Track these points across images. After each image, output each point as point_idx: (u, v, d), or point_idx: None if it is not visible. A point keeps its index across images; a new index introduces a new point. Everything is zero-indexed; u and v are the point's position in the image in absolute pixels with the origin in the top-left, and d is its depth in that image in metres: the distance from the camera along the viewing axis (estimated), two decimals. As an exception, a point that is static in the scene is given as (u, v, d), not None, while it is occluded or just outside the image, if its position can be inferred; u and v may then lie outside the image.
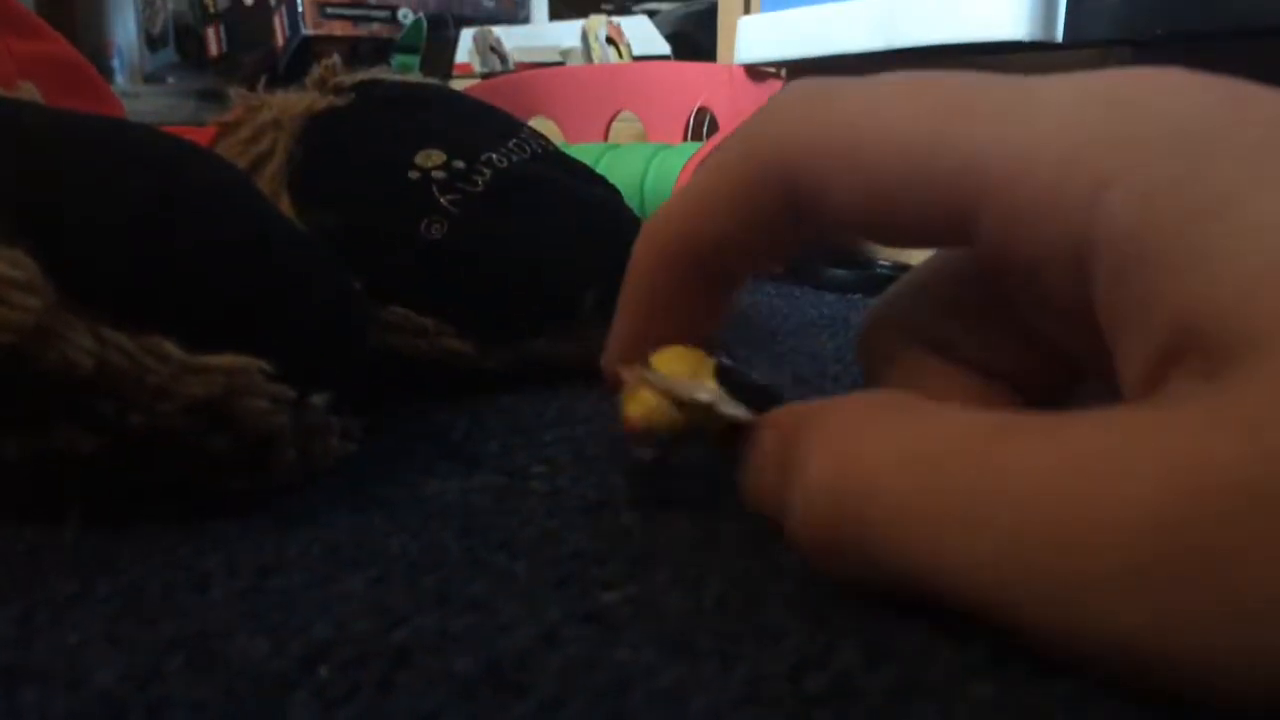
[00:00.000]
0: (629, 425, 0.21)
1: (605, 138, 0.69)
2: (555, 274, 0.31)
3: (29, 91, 0.25)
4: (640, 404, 0.21)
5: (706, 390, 0.20)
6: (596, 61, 0.82)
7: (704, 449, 0.21)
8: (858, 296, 0.49)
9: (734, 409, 0.20)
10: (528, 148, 0.33)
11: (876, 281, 0.50)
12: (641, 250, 0.21)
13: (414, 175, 0.31)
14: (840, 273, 0.51)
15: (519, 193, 0.32)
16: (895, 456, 0.16)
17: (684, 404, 0.20)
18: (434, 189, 0.30)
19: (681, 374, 0.21)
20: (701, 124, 0.66)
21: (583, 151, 0.57)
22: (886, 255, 0.58)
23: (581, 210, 0.33)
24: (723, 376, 0.21)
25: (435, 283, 0.29)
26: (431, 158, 0.31)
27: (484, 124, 0.34)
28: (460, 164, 0.31)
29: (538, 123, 0.66)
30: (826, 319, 0.43)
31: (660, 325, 0.21)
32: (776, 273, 0.55)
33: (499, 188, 0.31)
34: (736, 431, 0.20)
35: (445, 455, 0.25)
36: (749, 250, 0.20)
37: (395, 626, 0.16)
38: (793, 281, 0.53)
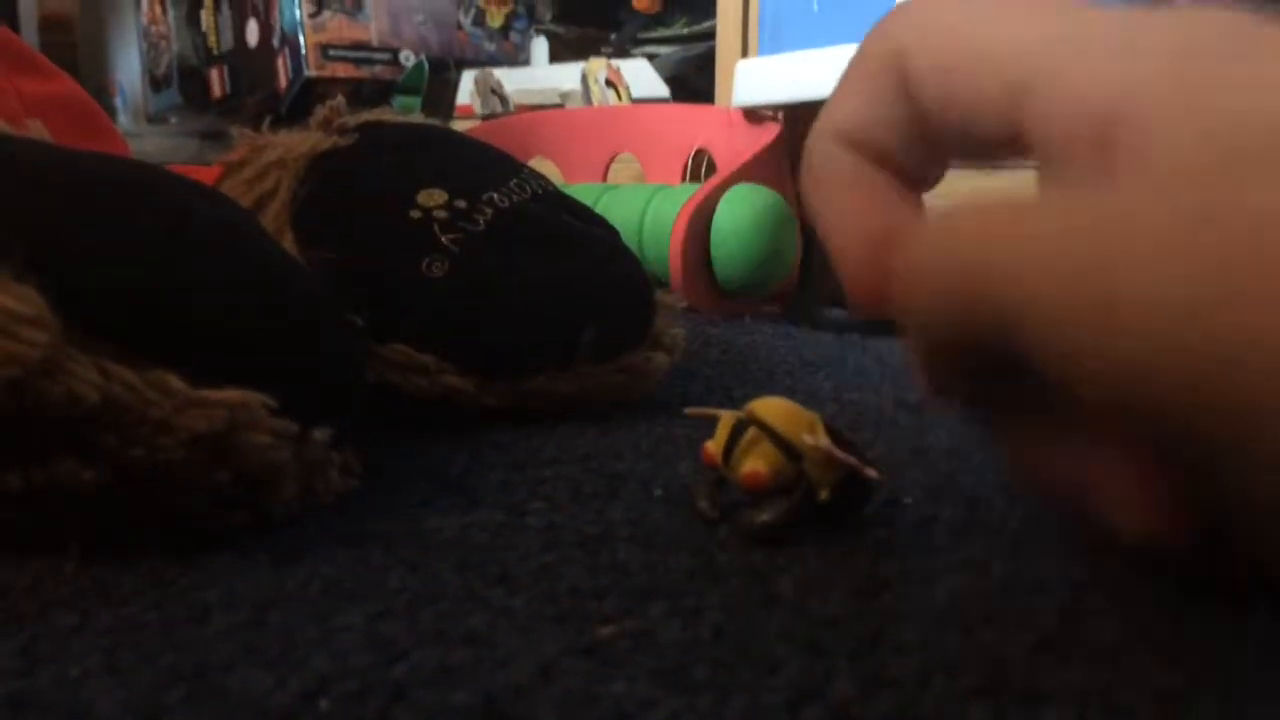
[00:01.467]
0: (753, 481, 0.20)
1: (604, 178, 0.70)
2: (554, 313, 0.31)
3: (37, 130, 0.25)
4: (762, 457, 0.20)
5: (823, 441, 0.20)
6: (596, 104, 0.83)
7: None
8: (854, 336, 0.49)
9: (845, 458, 0.20)
10: (528, 188, 0.34)
11: (872, 322, 0.51)
12: (811, 135, 0.22)
13: (416, 214, 0.31)
14: (837, 313, 0.52)
15: (520, 232, 0.32)
16: (1004, 213, 0.17)
17: (796, 456, 0.20)
18: (436, 228, 0.31)
19: (786, 426, 0.20)
20: (700, 165, 0.66)
21: (582, 192, 0.58)
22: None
23: (581, 250, 0.33)
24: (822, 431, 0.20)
25: (436, 320, 0.30)
26: (433, 197, 0.31)
27: (485, 164, 0.35)
28: (462, 204, 0.32)
29: (537, 163, 0.66)
30: (823, 359, 0.43)
31: (850, 201, 0.22)
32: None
33: (500, 227, 0.32)
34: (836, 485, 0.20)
35: (444, 491, 0.25)
36: (882, 134, 0.21)
37: (394, 661, 0.16)
38: (790, 322, 0.53)
